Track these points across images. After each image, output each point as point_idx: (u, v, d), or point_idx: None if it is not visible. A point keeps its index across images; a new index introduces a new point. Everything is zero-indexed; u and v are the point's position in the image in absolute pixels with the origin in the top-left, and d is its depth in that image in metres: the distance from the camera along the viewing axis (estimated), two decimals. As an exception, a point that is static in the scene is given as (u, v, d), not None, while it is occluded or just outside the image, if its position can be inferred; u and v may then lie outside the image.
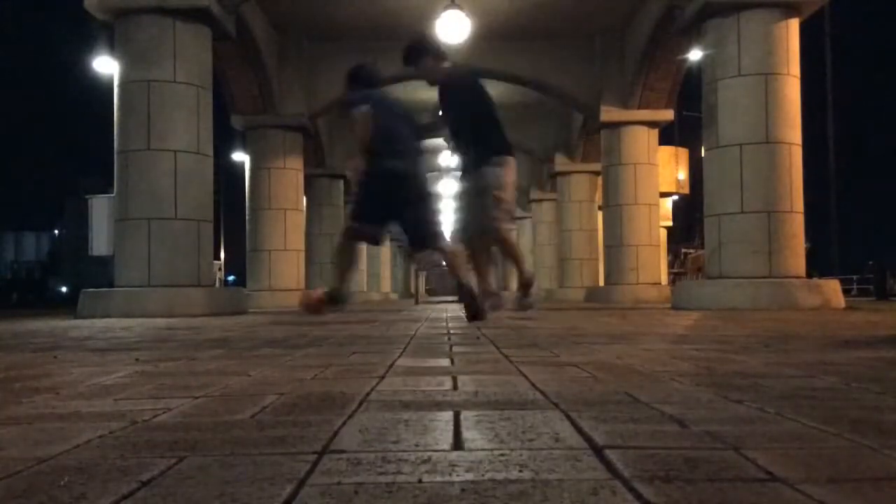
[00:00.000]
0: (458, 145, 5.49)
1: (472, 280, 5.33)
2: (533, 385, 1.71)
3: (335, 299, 5.39)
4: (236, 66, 11.43)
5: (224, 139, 20.46)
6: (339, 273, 5.51)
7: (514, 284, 5.58)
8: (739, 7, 7.73)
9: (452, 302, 15.96)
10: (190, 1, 7.74)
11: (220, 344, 3.30)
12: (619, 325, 4.59)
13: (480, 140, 5.35)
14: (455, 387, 1.70)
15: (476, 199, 5.42)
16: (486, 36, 12.03)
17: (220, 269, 31.57)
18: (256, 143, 12.55)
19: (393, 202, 5.23)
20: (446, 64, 5.55)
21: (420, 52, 5.48)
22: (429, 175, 5.57)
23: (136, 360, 2.54)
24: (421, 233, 5.39)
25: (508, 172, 5.36)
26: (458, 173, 5.67)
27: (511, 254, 5.65)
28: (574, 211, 16.70)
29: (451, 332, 4.02)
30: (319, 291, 5.56)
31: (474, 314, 5.00)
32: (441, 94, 5.45)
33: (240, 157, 22.12)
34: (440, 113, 5.47)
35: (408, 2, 11.12)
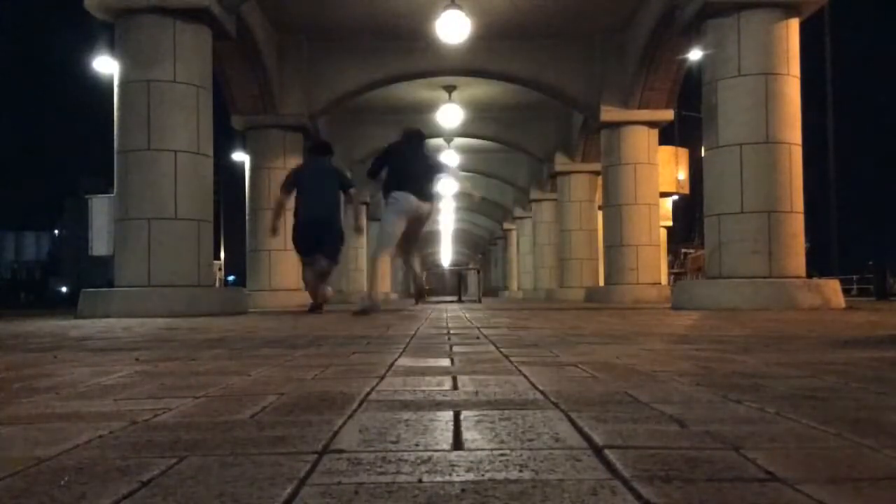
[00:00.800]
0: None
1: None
2: (533, 385, 1.71)
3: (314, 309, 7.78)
4: (236, 66, 11.42)
5: (224, 139, 20.44)
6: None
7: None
8: (739, 7, 7.72)
9: (452, 302, 15.97)
10: (190, 1, 7.74)
11: (220, 344, 3.30)
12: (619, 326, 4.59)
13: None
14: (455, 387, 1.70)
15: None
16: (486, 36, 12.05)
17: (220, 269, 31.58)
18: (256, 143, 12.54)
19: (313, 239, 8.02)
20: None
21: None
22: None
23: (136, 360, 2.54)
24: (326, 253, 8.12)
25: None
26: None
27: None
28: (574, 211, 16.69)
29: (451, 332, 4.03)
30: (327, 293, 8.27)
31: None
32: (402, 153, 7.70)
33: (240, 157, 22.11)
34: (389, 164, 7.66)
35: (408, 2, 11.12)
